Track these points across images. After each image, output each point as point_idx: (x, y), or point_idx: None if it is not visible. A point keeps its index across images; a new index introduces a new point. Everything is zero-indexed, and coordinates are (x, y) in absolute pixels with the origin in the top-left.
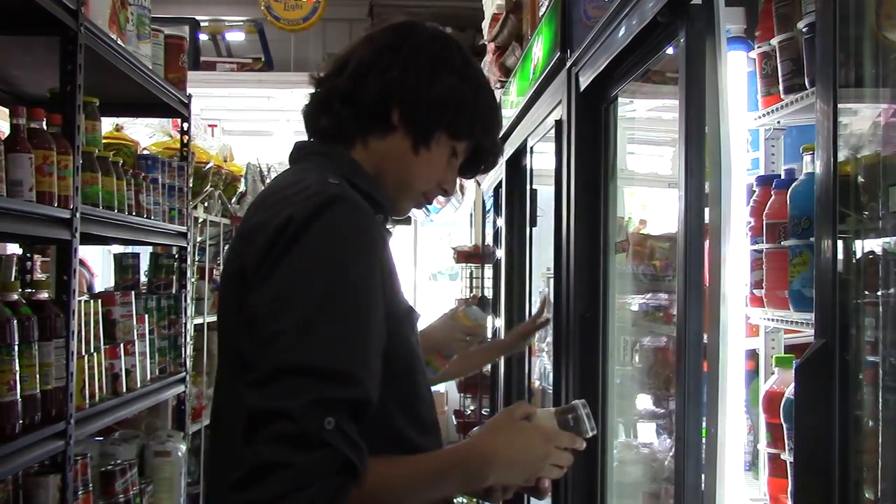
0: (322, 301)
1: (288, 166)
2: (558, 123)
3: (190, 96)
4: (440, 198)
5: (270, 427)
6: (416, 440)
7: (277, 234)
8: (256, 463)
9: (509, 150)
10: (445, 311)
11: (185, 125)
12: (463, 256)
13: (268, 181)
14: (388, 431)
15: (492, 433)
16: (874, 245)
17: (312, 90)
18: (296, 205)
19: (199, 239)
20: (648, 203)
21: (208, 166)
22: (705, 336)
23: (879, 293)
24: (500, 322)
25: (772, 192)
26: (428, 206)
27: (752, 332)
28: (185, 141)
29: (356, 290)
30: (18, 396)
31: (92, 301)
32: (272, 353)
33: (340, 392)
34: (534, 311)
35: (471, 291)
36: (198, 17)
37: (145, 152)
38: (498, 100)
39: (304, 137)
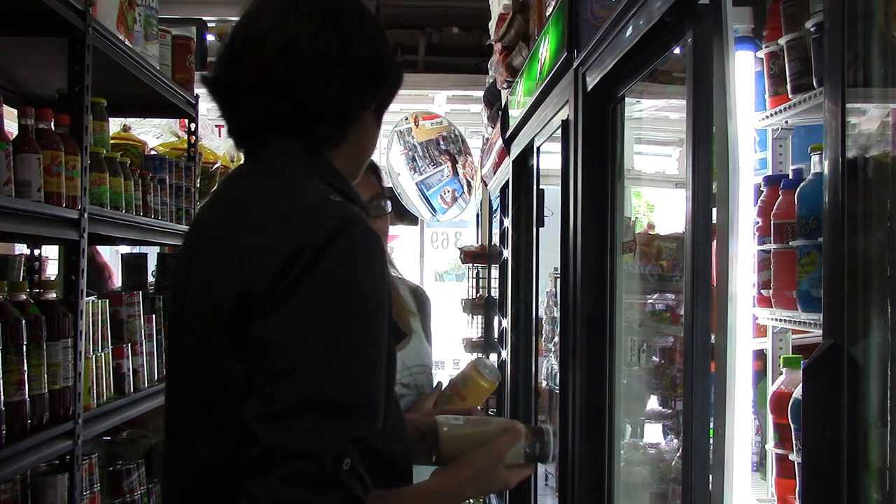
0: (339, 333)
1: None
2: (565, 123)
3: (197, 97)
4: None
5: (289, 466)
6: (380, 445)
7: (290, 262)
8: (272, 500)
9: (516, 150)
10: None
11: (193, 125)
12: (469, 257)
13: None
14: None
15: (472, 475)
16: (883, 245)
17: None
18: (306, 230)
19: None
20: (655, 203)
21: (215, 166)
22: (713, 336)
23: (888, 293)
24: (507, 322)
25: (780, 192)
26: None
27: (760, 333)
28: (193, 141)
29: (371, 320)
30: (27, 396)
31: (100, 301)
32: (289, 386)
33: (360, 429)
34: (541, 311)
35: (477, 292)
36: (205, 18)
37: (153, 153)
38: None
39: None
